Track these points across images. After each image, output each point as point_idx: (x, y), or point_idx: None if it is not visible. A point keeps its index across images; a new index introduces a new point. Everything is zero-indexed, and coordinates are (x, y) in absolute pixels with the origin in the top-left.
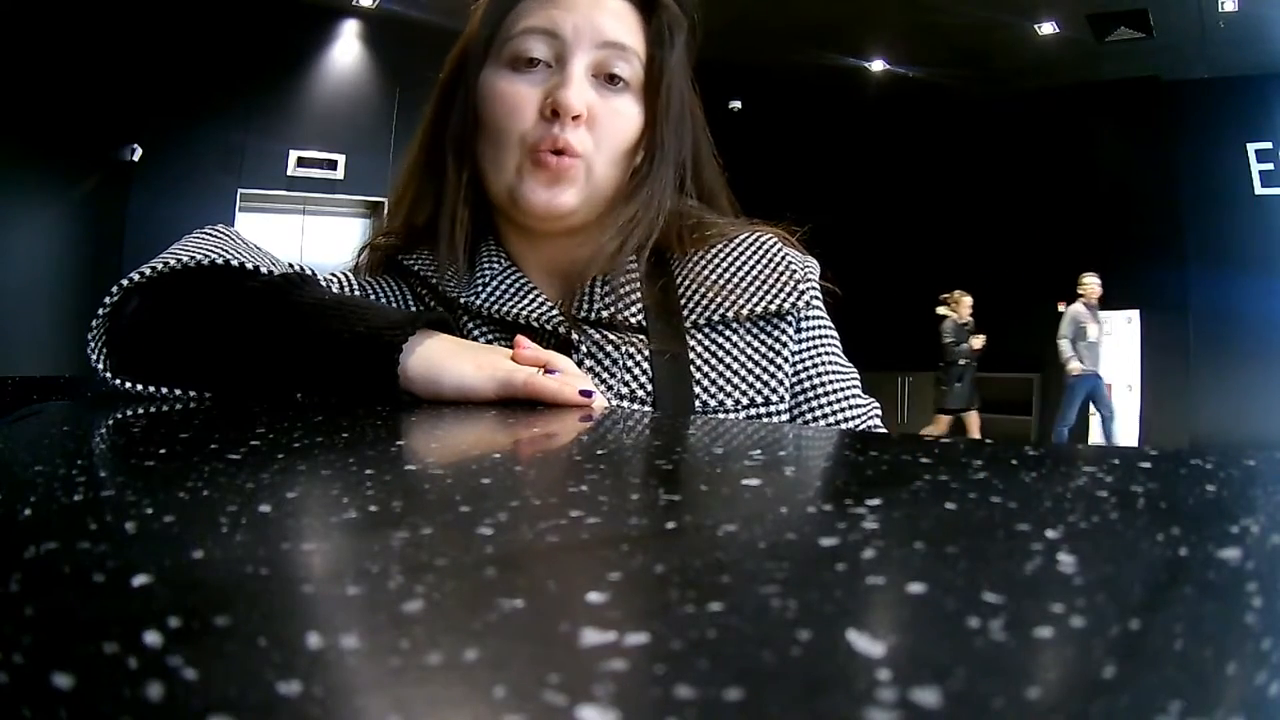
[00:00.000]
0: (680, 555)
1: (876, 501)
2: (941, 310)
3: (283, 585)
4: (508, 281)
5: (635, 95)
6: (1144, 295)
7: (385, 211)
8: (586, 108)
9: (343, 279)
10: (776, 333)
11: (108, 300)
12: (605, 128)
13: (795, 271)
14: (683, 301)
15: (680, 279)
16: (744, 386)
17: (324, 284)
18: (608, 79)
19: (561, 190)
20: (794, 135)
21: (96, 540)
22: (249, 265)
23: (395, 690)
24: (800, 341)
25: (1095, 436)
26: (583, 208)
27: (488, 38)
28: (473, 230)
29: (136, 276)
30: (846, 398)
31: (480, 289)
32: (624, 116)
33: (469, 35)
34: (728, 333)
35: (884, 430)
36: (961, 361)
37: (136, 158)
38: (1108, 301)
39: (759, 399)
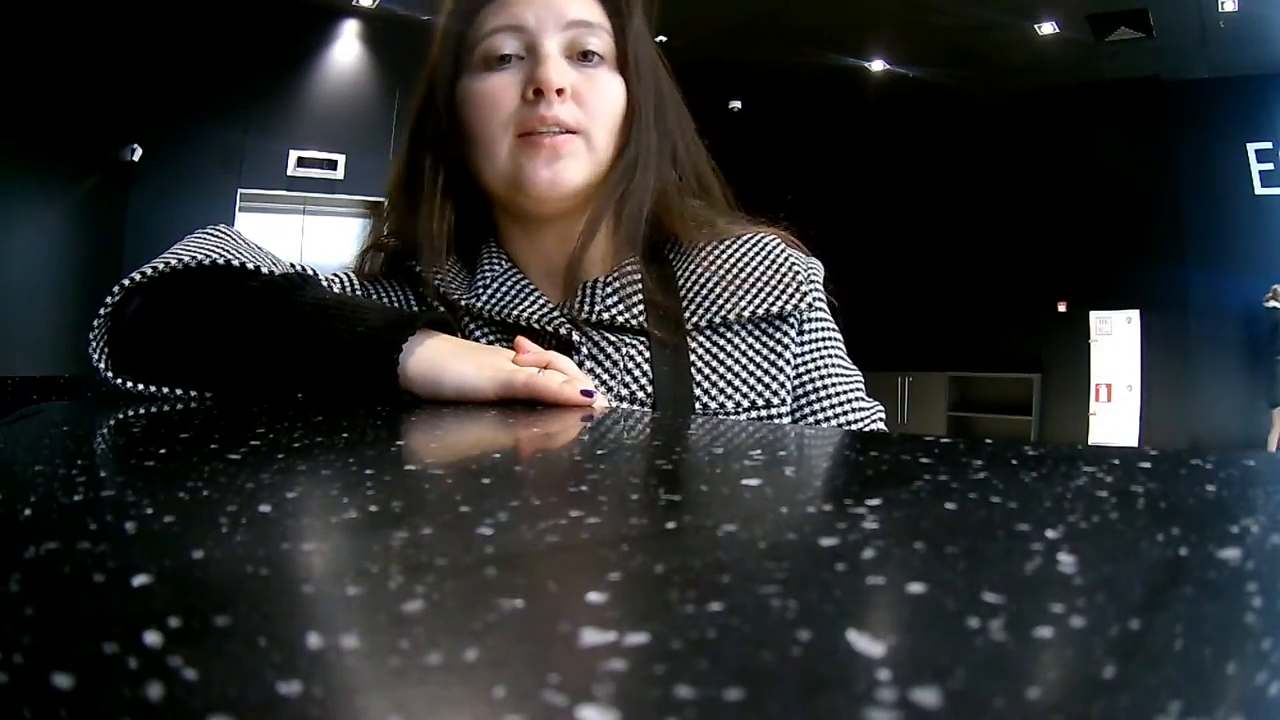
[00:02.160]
0: (680, 555)
1: (876, 501)
2: (1272, 303)
3: (283, 585)
4: (509, 283)
5: (612, 68)
6: (1144, 295)
7: (384, 214)
8: (569, 84)
9: (344, 279)
10: (779, 335)
11: (109, 300)
12: (592, 101)
13: (799, 273)
14: (684, 303)
15: (682, 280)
16: (745, 389)
17: (325, 284)
18: (581, 56)
19: (563, 166)
20: (794, 135)
21: (96, 540)
22: (249, 265)
23: (395, 690)
24: (803, 344)
25: (1095, 437)
26: (587, 184)
27: (455, 48)
28: (473, 232)
29: (138, 276)
30: (849, 401)
31: (481, 291)
32: (607, 88)
33: (435, 51)
34: (729, 334)
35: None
36: None
37: (136, 158)
38: (1108, 301)
39: (760, 401)
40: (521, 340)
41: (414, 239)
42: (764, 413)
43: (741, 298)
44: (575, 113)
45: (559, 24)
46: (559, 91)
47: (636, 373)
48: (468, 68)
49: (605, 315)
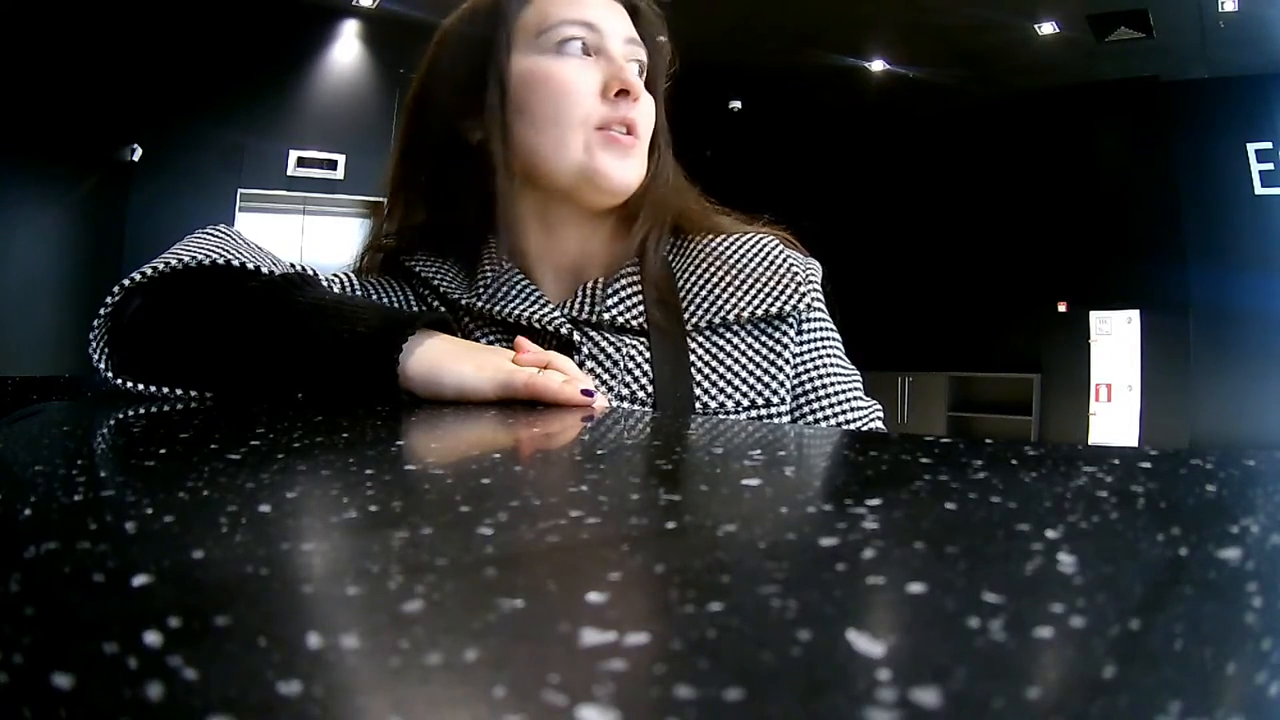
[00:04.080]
0: (680, 555)
1: (876, 501)
2: None
3: (283, 585)
4: (509, 283)
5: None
6: (1144, 295)
7: (384, 212)
8: (639, 95)
9: (344, 279)
10: (778, 335)
11: (109, 300)
12: (646, 111)
13: (797, 274)
14: (684, 303)
15: (682, 281)
16: (744, 388)
17: (325, 284)
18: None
19: (634, 164)
20: (794, 135)
21: (96, 540)
22: (249, 265)
23: (395, 690)
24: (802, 344)
25: (1095, 437)
26: (643, 182)
27: (507, 26)
28: (474, 231)
29: (138, 276)
30: (848, 400)
31: (482, 290)
32: (651, 104)
33: (462, 22)
34: (728, 335)
35: (885, 432)
36: None
37: (136, 158)
38: (1108, 301)
39: (759, 401)
40: (521, 340)
41: (416, 233)
42: (763, 412)
43: (740, 298)
44: (643, 119)
45: (623, 36)
46: (635, 99)
47: (637, 373)
48: (530, 49)
49: (605, 315)
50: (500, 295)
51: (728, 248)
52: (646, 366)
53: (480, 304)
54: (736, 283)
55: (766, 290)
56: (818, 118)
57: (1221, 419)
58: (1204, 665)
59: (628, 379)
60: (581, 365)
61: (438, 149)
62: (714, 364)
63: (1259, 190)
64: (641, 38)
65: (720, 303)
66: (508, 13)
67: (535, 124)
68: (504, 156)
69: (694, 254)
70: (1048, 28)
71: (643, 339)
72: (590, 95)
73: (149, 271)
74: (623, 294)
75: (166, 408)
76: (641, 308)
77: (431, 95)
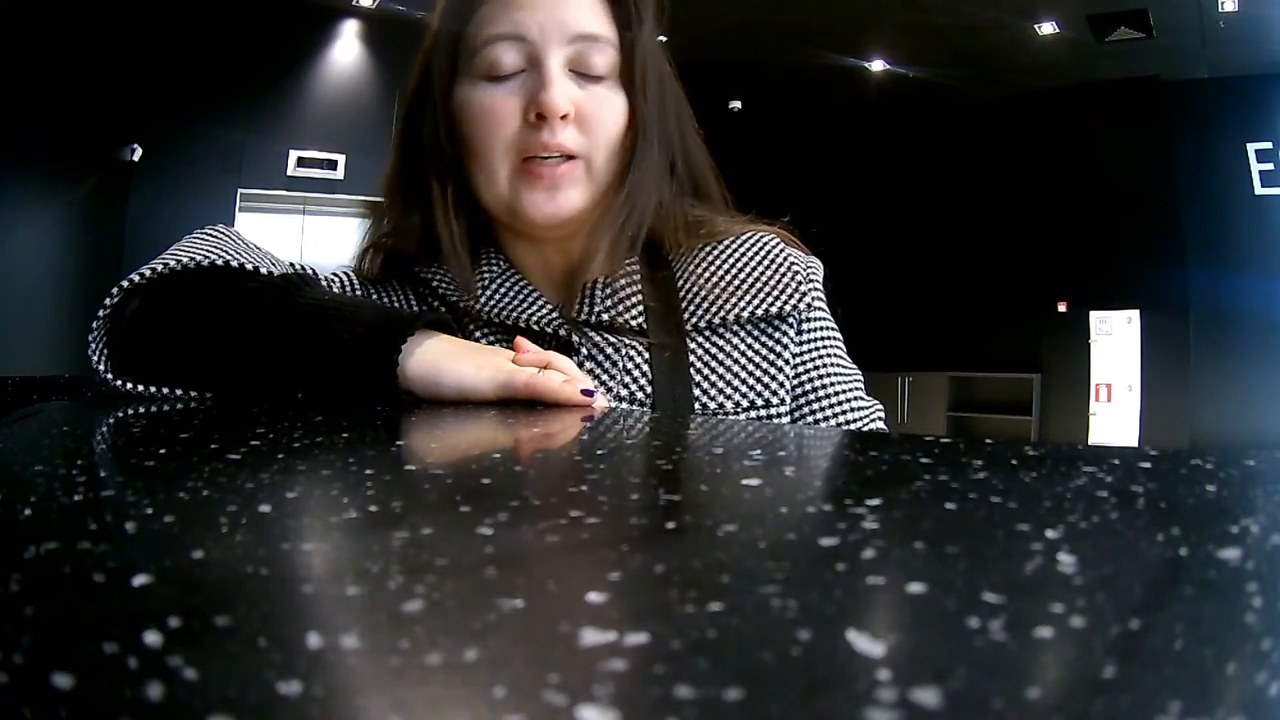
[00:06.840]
0: (680, 555)
1: (876, 501)
2: None
3: (283, 585)
4: (508, 285)
5: (615, 83)
6: (1144, 295)
7: (381, 213)
8: (572, 105)
9: (344, 278)
10: (778, 334)
11: (108, 301)
12: (595, 122)
13: (798, 273)
14: (683, 303)
15: (681, 280)
16: (744, 389)
17: (325, 284)
18: (585, 73)
19: (564, 195)
20: (794, 135)
21: (96, 540)
22: (249, 266)
23: (395, 690)
24: (802, 343)
25: (1095, 437)
26: (587, 207)
27: (451, 49)
28: (471, 235)
29: (136, 277)
30: (848, 400)
31: (480, 293)
32: (610, 106)
33: (429, 47)
34: (728, 335)
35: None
36: None
37: (136, 158)
38: (1108, 301)
39: (759, 401)
40: (521, 340)
41: (415, 241)
42: (763, 413)
43: (740, 298)
44: (577, 138)
45: (564, 37)
46: (563, 116)
47: (635, 373)
48: (466, 73)
49: (604, 316)
50: (499, 297)
51: (728, 247)
52: (645, 367)
53: (479, 306)
54: (736, 282)
55: (766, 290)
56: (818, 118)
57: (1221, 419)
58: (1204, 665)
59: (626, 380)
60: (580, 366)
61: (423, 163)
62: (713, 364)
63: (1259, 190)
64: (622, 20)
65: (720, 303)
66: (448, 32)
67: (471, 156)
68: (439, 188)
69: (694, 252)
70: (1048, 28)
71: (641, 340)
72: (512, 122)
73: (148, 272)
74: (621, 294)
75: (166, 408)
76: (640, 308)
77: (408, 112)
